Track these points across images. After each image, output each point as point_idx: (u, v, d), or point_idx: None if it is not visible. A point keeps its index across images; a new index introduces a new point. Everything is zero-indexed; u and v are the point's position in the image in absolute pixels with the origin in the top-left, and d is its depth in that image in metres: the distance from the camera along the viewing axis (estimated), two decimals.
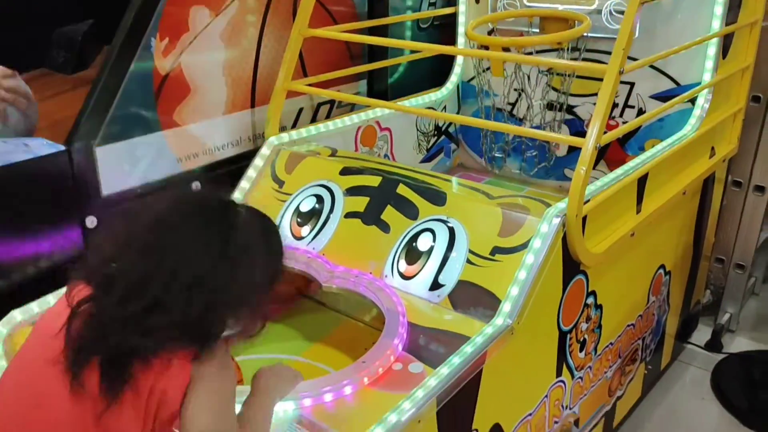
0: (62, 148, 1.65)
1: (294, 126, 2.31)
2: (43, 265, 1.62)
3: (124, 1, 1.88)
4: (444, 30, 2.83)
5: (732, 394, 2.46)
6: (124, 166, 1.83)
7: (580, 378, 1.81)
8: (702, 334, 2.73)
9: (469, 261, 1.56)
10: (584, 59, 2.36)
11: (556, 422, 1.75)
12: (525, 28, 2.43)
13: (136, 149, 1.85)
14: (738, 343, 2.75)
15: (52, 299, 1.50)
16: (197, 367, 1.04)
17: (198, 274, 1.03)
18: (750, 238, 2.71)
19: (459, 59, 2.75)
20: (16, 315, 1.49)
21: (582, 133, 2.47)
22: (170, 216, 1.09)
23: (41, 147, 1.61)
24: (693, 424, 2.34)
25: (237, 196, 1.95)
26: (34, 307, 1.51)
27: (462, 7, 2.65)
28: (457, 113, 2.80)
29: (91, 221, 1.75)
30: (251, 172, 1.98)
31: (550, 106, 2.45)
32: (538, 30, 2.37)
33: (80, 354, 1.01)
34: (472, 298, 1.51)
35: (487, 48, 2.10)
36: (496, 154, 2.65)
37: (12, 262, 1.58)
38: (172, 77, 1.89)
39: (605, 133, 1.57)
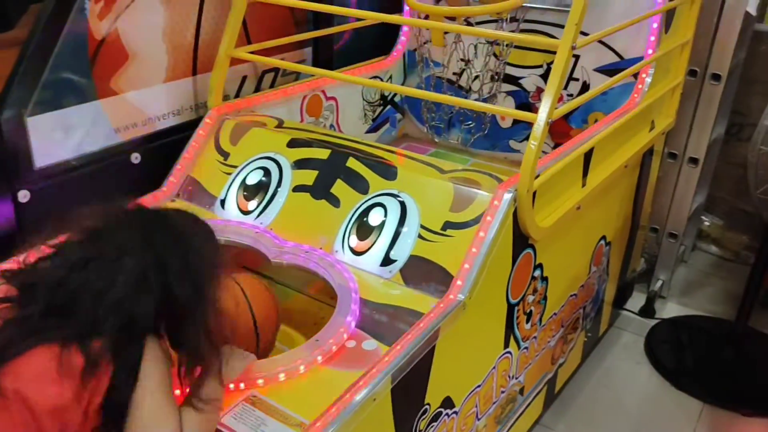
0: None
1: (237, 95, 2.23)
2: None
3: None
4: None
5: (663, 357, 2.58)
6: (57, 136, 1.73)
7: (526, 348, 1.85)
8: (636, 300, 2.84)
9: (420, 236, 1.56)
10: (527, 30, 2.37)
11: (503, 392, 1.79)
12: None
13: (71, 118, 1.75)
14: (669, 309, 2.87)
15: None
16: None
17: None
18: (683, 208, 2.82)
19: (405, 28, 2.71)
20: None
21: (527, 105, 2.52)
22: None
23: None
24: (628, 386, 2.45)
25: (179, 167, 1.89)
26: None
27: None
28: (403, 82, 2.77)
29: (23, 195, 1.65)
30: (194, 143, 1.92)
31: (493, 78, 2.46)
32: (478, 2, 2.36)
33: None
34: (424, 273, 1.51)
35: (427, 18, 2.07)
36: (437, 124, 2.66)
37: None
38: (108, 42, 1.79)
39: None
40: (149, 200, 1.81)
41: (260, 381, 1.27)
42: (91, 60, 1.76)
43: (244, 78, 2.24)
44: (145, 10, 1.86)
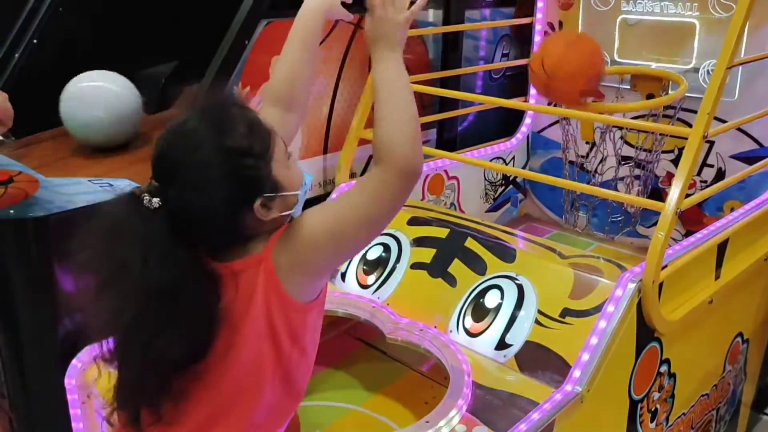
0: None
1: (363, 173, 2.33)
2: None
3: (205, 43, 1.96)
4: (515, 80, 2.83)
5: None
6: None
7: None
8: None
9: (537, 321, 1.53)
10: (667, 116, 2.30)
11: None
12: (614, 84, 2.37)
13: None
14: None
15: None
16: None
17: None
18: None
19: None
20: (91, 351, 1.53)
21: (656, 191, 2.43)
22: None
23: (125, 187, 1.67)
24: None
25: None
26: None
27: None
28: (526, 163, 2.78)
29: None
30: None
31: (622, 161, 2.40)
32: (628, 87, 2.31)
33: None
34: (541, 360, 1.47)
35: (551, 104, 2.07)
36: (580, 214, 2.57)
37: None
38: None
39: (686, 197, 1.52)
40: None
41: None
42: None
43: (371, 157, 2.34)
44: None
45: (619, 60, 2.43)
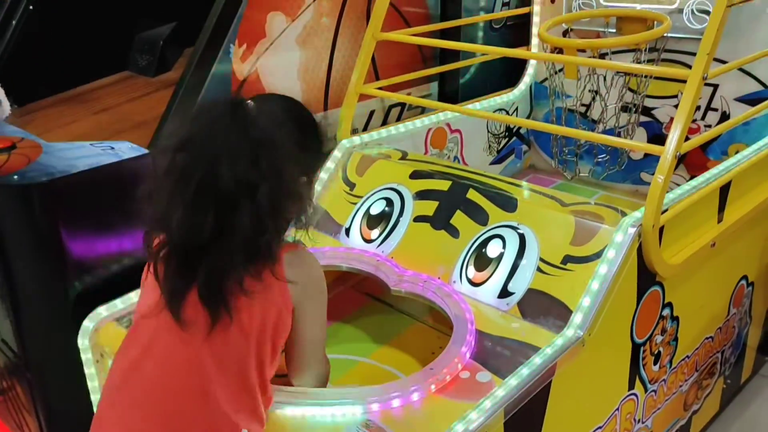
0: (146, 151, 1.72)
1: (365, 128, 2.33)
2: (127, 263, 1.69)
3: (204, 4, 1.94)
4: (517, 30, 2.78)
5: None
6: None
7: (654, 391, 1.76)
8: None
9: (539, 269, 1.54)
10: (663, 60, 2.28)
11: None
12: (601, 28, 2.37)
13: None
14: None
15: (134, 296, 1.58)
16: (293, 287, 1.18)
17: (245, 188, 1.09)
18: None
19: (532, 60, 2.70)
20: (101, 311, 1.56)
21: (660, 137, 2.41)
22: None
23: (126, 150, 1.69)
24: None
25: None
26: (118, 303, 1.58)
27: (536, 8, 2.61)
28: (530, 114, 2.76)
29: None
30: (323, 174, 2.01)
31: (625, 108, 2.38)
32: (614, 30, 2.30)
33: (175, 294, 1.11)
34: (542, 307, 1.49)
35: (560, 51, 2.05)
36: (567, 158, 2.59)
37: (98, 260, 1.66)
38: (250, 82, 1.94)
39: (686, 139, 1.51)
40: None
41: (375, 406, 1.30)
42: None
43: (372, 112, 2.34)
44: (283, 51, 2.00)
45: (605, 3, 2.41)
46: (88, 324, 1.55)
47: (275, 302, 1.18)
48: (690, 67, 1.50)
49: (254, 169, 1.09)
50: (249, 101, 1.17)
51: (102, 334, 1.55)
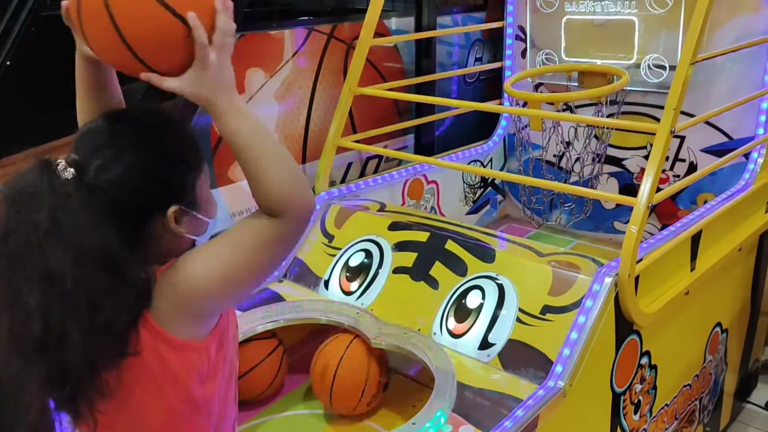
0: None
1: (343, 180, 2.35)
2: None
3: None
4: (490, 83, 2.87)
5: None
6: None
7: None
8: (762, 393, 2.61)
9: (519, 320, 1.55)
10: (630, 112, 2.36)
11: None
12: (565, 82, 2.45)
13: None
14: None
15: None
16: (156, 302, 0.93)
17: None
18: None
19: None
20: None
21: (631, 187, 2.48)
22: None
23: None
24: None
25: None
26: None
27: (508, 62, 2.69)
28: (503, 165, 2.81)
29: None
30: None
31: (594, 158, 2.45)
32: (576, 84, 2.39)
33: None
34: (523, 358, 1.50)
35: (525, 104, 2.12)
36: (537, 206, 2.64)
37: None
38: None
39: (657, 191, 1.56)
40: None
41: None
42: (212, 151, 1.93)
43: (350, 164, 2.37)
44: (262, 106, 2.03)
45: (566, 59, 2.52)
46: None
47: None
48: (654, 118, 1.55)
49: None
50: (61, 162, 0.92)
51: None
